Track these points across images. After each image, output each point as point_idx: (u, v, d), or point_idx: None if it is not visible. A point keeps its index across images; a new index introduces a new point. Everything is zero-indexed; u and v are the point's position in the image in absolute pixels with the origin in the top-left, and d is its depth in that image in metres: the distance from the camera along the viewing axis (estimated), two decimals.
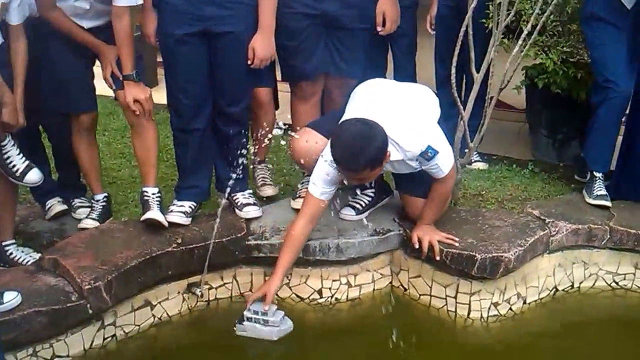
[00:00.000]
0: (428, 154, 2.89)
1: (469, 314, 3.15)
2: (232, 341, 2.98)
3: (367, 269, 3.30)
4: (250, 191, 3.44)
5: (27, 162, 2.95)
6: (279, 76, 3.69)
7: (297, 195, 3.44)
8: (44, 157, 3.50)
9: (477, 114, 3.62)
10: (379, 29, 3.41)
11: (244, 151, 3.13)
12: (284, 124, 3.22)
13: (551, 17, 3.71)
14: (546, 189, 3.80)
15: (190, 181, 3.31)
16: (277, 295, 3.23)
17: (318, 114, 3.52)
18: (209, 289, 3.20)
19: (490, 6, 3.47)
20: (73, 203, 3.52)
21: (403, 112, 2.98)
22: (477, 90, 3.42)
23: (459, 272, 3.10)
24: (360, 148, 2.73)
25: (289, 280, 3.24)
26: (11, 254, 3.15)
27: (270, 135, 3.23)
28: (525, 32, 3.35)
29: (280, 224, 3.29)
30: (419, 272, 3.25)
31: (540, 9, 3.33)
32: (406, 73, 4.26)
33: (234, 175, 3.08)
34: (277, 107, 4.90)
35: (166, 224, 3.13)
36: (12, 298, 2.61)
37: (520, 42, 3.35)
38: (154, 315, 3.05)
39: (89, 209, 3.44)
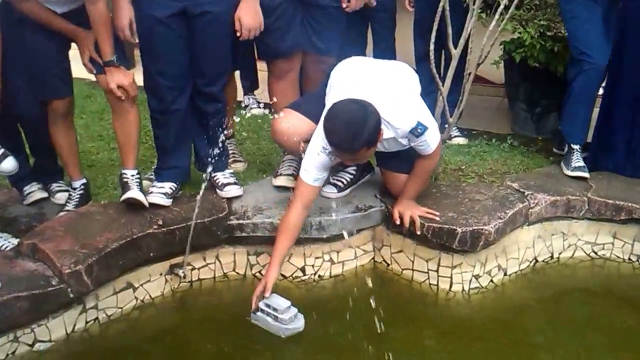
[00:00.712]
0: (418, 130, 2.90)
1: (450, 287, 3.17)
2: (216, 322, 2.99)
3: (350, 246, 3.31)
4: (231, 171, 3.44)
5: (1, 150, 2.91)
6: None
7: (278, 174, 3.44)
8: (19, 143, 3.45)
9: (456, 90, 3.64)
10: (344, 5, 3.37)
11: (223, 129, 3.12)
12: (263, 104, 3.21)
13: None
14: (525, 162, 3.83)
15: (170, 162, 3.29)
16: (261, 274, 3.25)
17: (296, 92, 3.51)
18: (192, 269, 3.19)
19: None
20: (51, 188, 3.50)
21: (390, 90, 2.97)
22: (456, 66, 3.43)
23: (441, 246, 3.12)
24: (357, 129, 2.71)
25: None
26: None
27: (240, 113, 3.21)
28: (502, 6, 3.36)
29: (262, 202, 3.29)
30: (401, 247, 3.27)
31: None
32: (386, 49, 4.25)
33: (215, 153, 3.06)
34: (256, 86, 4.92)
35: (147, 203, 3.12)
36: None
37: (497, 16, 3.35)
38: (136, 298, 3.04)
39: (67, 193, 3.41)
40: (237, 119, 2.96)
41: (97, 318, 2.91)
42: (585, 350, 2.80)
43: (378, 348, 2.66)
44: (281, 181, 3.40)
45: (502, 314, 3.07)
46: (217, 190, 3.33)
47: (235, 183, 3.35)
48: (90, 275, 2.76)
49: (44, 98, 3.22)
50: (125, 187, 3.15)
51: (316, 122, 3.00)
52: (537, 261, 3.39)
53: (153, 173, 3.39)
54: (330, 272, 3.29)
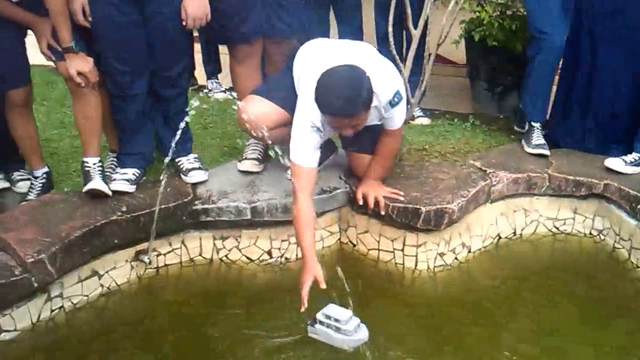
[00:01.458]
0: (395, 99, 2.91)
1: (416, 265, 3.21)
2: (183, 307, 2.99)
3: (316, 227, 3.32)
4: (196, 155, 3.42)
5: None
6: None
7: (244, 158, 3.44)
8: None
9: (417, 70, 3.66)
10: None
11: (185, 114, 3.09)
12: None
13: None
14: (487, 141, 3.88)
15: (132, 148, 3.27)
16: (227, 258, 3.26)
17: (258, 77, 3.49)
18: (158, 255, 3.18)
19: None
20: (12, 177, 3.45)
21: (367, 59, 2.94)
22: (416, 47, 3.44)
23: (405, 225, 3.15)
24: (356, 89, 2.69)
25: (238, 243, 3.25)
26: None
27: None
28: None
29: (227, 187, 3.29)
30: (366, 227, 3.30)
31: None
32: (352, 29, 4.20)
33: (177, 139, 3.04)
34: (219, 70, 4.90)
35: (109, 193, 3.09)
36: None
37: None
38: (102, 285, 3.03)
39: (29, 182, 3.37)
40: (196, 103, 2.91)
41: (62, 306, 2.90)
42: (547, 324, 2.85)
43: None
44: (246, 165, 3.40)
45: (467, 291, 3.12)
46: (182, 176, 3.32)
47: (199, 168, 3.34)
48: (54, 263, 2.74)
49: (1, 88, 3.17)
50: (87, 176, 3.12)
51: (282, 106, 3.00)
52: (500, 238, 3.44)
53: (115, 159, 3.36)
54: (296, 255, 3.30)
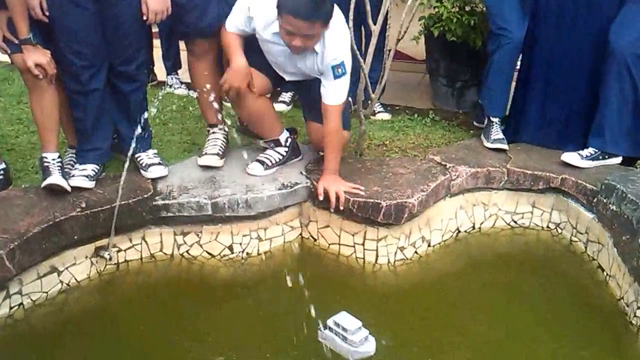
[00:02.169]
0: (338, 70, 3.02)
1: (376, 259, 3.24)
2: (144, 303, 2.98)
3: (277, 223, 3.34)
4: (155, 151, 3.40)
5: None
6: None
7: (204, 153, 3.42)
8: None
9: (377, 66, 3.68)
10: None
11: (144, 109, 3.08)
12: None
13: None
14: (447, 136, 3.93)
15: (91, 143, 3.23)
16: (188, 253, 3.25)
17: (217, 73, 3.47)
18: (118, 251, 3.16)
19: None
20: None
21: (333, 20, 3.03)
22: (376, 42, 3.47)
23: (366, 219, 3.18)
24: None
25: (199, 238, 3.25)
26: None
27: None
28: None
29: (188, 182, 3.28)
30: (327, 222, 3.31)
31: None
32: None
33: (137, 134, 3.01)
34: (179, 66, 4.87)
35: (69, 188, 3.06)
36: None
37: None
38: (61, 282, 3.00)
39: None
40: (159, 99, 2.90)
41: (21, 303, 2.86)
42: (505, 316, 2.91)
43: (308, 322, 2.69)
44: (206, 160, 3.39)
45: (427, 285, 3.16)
46: (141, 171, 3.30)
47: (159, 163, 3.31)
48: (13, 260, 2.71)
49: None
50: (46, 172, 3.08)
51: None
52: (459, 231, 3.49)
53: (74, 155, 3.32)
54: (258, 249, 3.31)
